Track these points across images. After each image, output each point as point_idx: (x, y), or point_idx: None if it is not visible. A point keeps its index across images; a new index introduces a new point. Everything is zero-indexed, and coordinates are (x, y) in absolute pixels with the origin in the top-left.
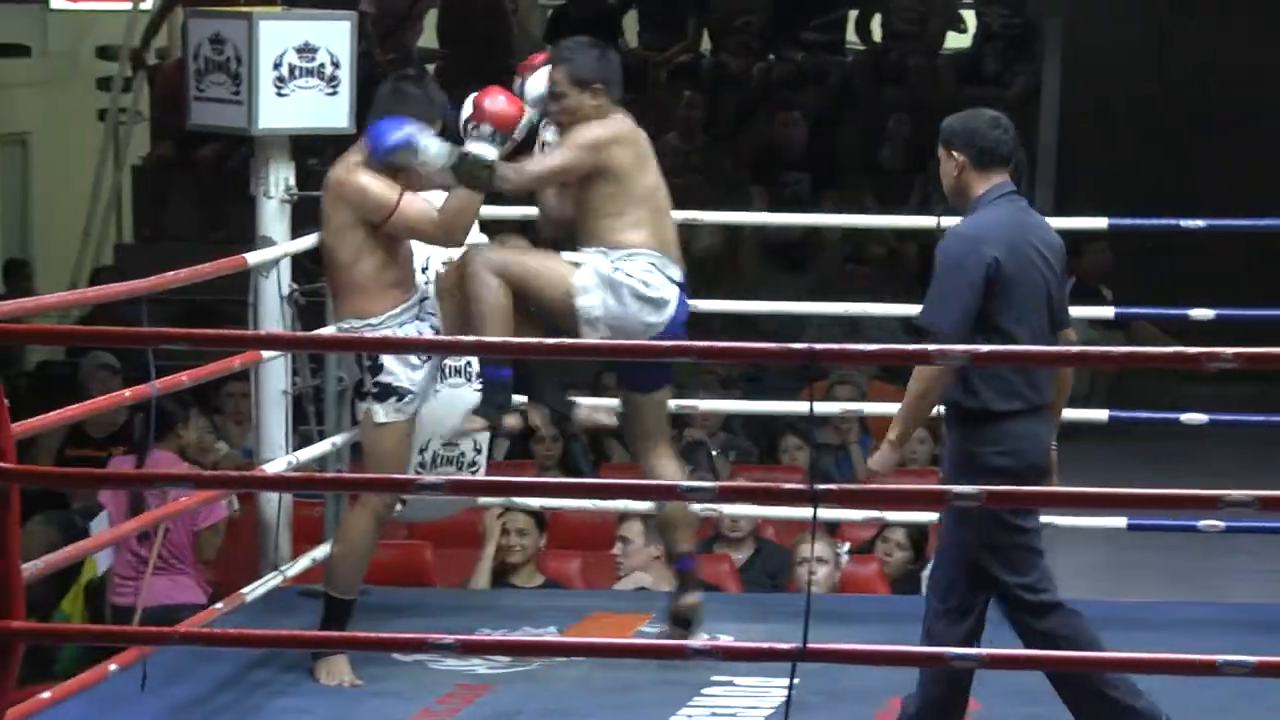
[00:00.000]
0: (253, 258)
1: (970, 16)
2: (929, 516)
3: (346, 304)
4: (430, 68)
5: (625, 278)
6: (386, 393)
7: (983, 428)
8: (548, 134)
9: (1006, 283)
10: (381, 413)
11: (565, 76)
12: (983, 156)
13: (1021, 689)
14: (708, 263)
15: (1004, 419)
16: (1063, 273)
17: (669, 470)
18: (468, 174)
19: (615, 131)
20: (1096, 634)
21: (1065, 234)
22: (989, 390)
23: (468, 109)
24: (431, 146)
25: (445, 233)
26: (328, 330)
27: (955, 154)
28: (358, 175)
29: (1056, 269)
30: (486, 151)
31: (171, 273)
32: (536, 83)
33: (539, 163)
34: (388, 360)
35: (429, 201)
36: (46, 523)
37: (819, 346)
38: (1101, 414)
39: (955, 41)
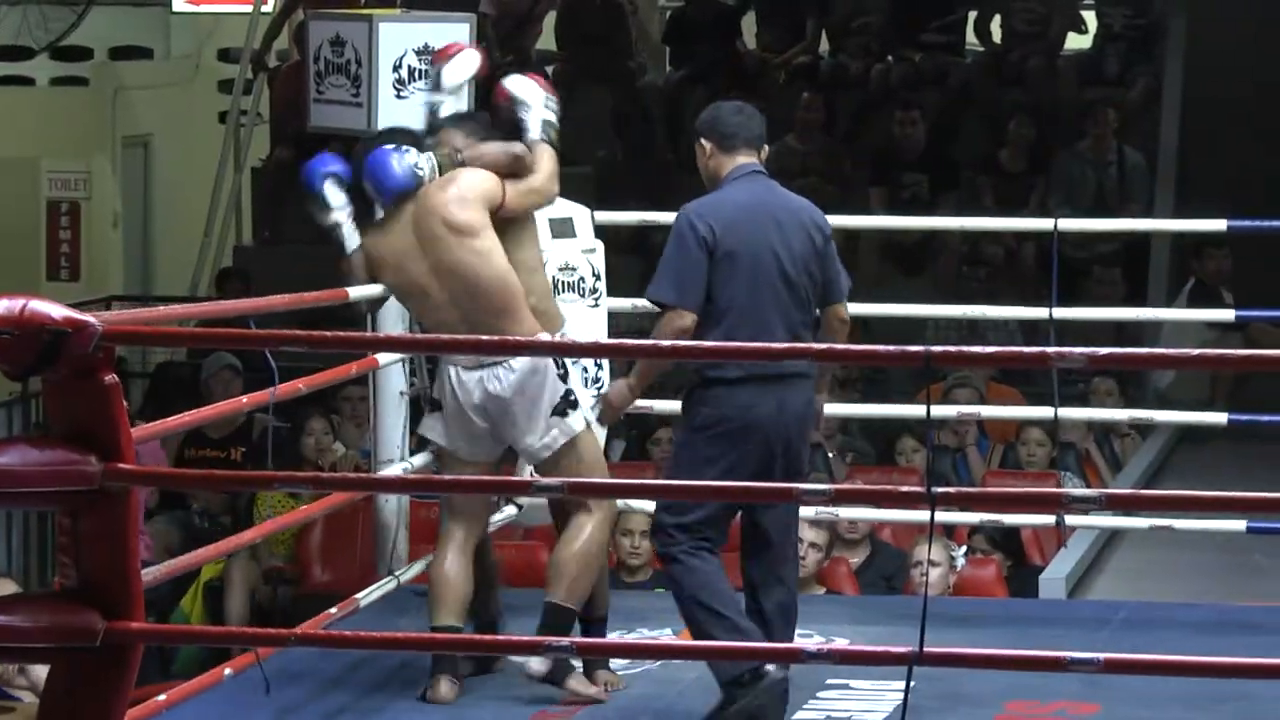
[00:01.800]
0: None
1: (1091, 17)
2: (1045, 519)
3: (517, 321)
4: (549, 69)
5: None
6: (575, 402)
7: (699, 391)
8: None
9: (727, 255)
10: (583, 419)
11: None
12: (725, 141)
13: (1140, 693)
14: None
15: (716, 385)
16: (821, 247)
17: None
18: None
19: None
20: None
21: (1185, 236)
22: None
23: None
24: (427, 170)
25: (552, 188)
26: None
27: (704, 142)
28: (464, 182)
29: (799, 243)
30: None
31: (310, 294)
32: (454, 72)
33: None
34: (571, 371)
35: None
36: (167, 522)
37: (936, 349)
38: (1221, 417)
39: (1076, 42)
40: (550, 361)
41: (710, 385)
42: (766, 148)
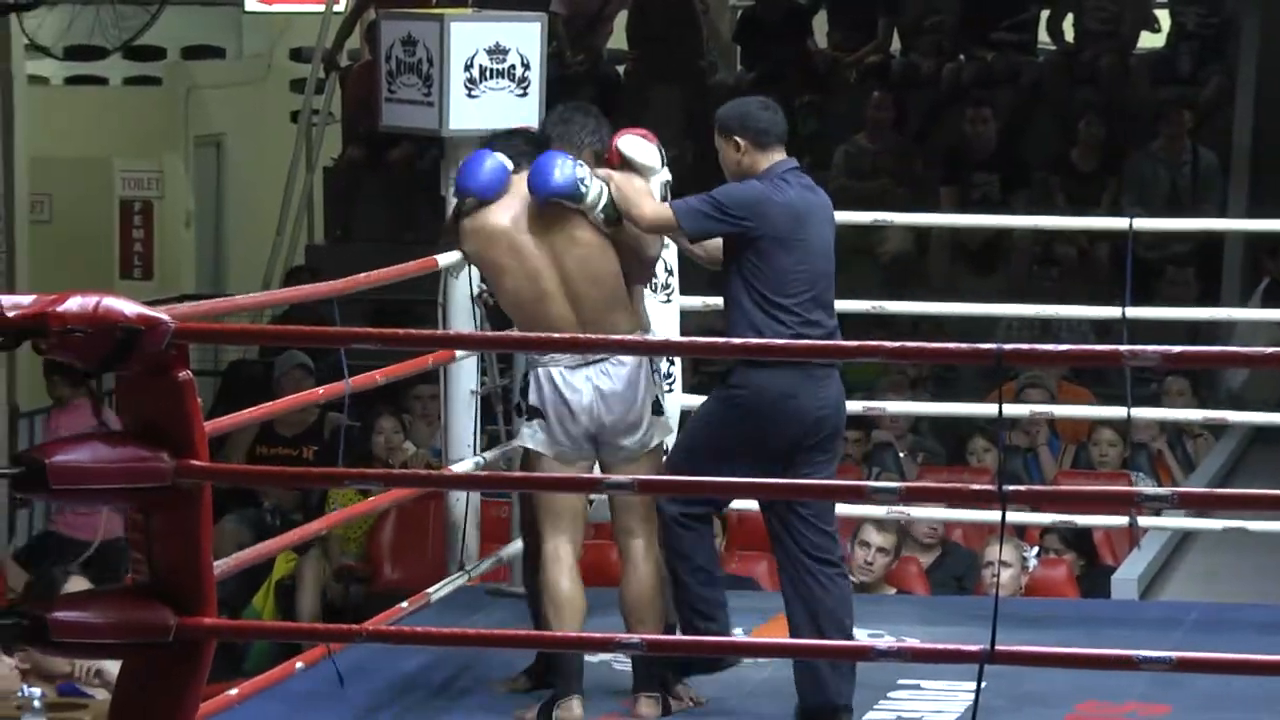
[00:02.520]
0: (444, 259)
1: (1165, 16)
2: (1118, 520)
3: (628, 315)
4: (620, 69)
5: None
6: (661, 405)
7: (743, 369)
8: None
9: (798, 243)
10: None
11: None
12: (760, 137)
13: (1211, 694)
14: (897, 264)
15: (760, 366)
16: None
17: None
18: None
19: None
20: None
21: (1260, 236)
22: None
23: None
24: (593, 190)
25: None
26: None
27: (736, 139)
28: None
29: (832, 238)
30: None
31: (364, 274)
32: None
33: None
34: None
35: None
36: (238, 521)
37: (1007, 347)
38: None
39: (1149, 41)
40: (648, 360)
41: (755, 366)
42: None
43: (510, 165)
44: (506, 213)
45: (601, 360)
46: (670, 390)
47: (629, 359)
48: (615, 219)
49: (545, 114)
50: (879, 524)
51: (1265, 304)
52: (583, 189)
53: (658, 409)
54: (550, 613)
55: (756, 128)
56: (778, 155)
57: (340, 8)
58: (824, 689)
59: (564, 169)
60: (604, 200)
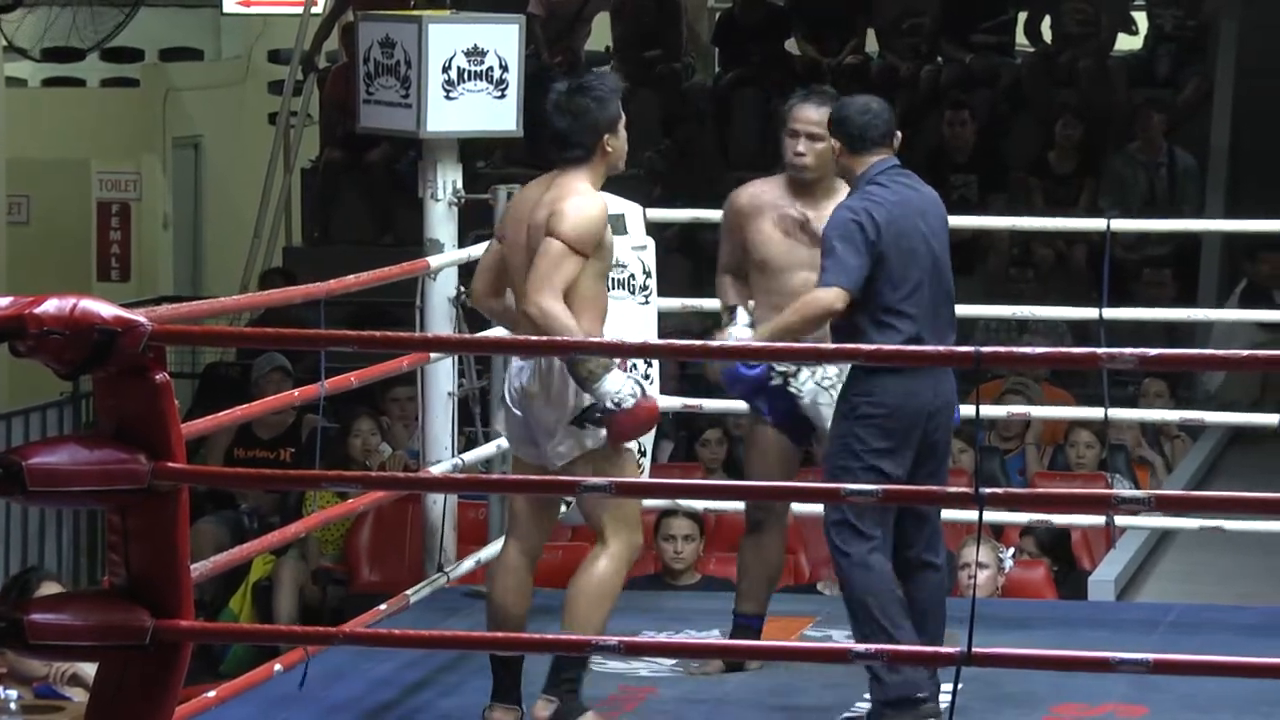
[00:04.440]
0: (433, 261)
1: (1142, 18)
2: (1095, 520)
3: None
4: (600, 70)
5: None
6: (601, 421)
7: (862, 378)
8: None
9: (887, 251)
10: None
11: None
12: (855, 142)
13: (1189, 695)
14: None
15: (882, 372)
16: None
17: None
18: (597, 368)
19: None
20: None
21: (1238, 238)
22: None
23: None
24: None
25: (535, 299)
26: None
27: (833, 141)
28: (589, 197)
29: (943, 237)
30: (613, 387)
31: (352, 276)
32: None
33: None
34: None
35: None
36: (216, 522)
37: (985, 349)
38: (1272, 418)
39: (1127, 43)
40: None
41: (875, 373)
42: (899, 134)
43: None
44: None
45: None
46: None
47: (547, 361)
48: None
49: (522, 115)
50: None
51: (1242, 305)
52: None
53: (579, 422)
54: (490, 614)
55: (850, 131)
56: (875, 157)
57: (318, 9)
58: (908, 680)
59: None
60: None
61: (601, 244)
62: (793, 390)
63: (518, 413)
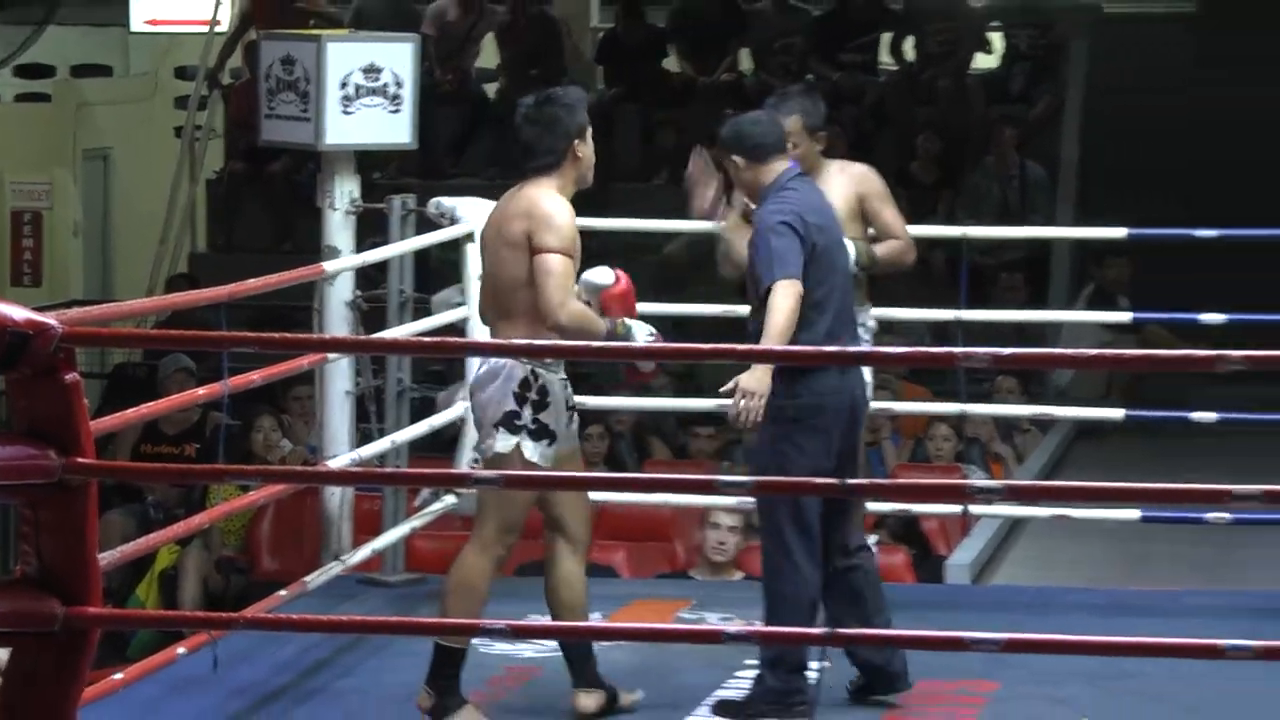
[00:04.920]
0: (329, 266)
1: (998, 38)
2: (952, 509)
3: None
4: (490, 87)
5: None
6: (542, 433)
7: (793, 378)
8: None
9: (813, 249)
10: (533, 451)
11: (799, 125)
12: (755, 151)
13: (1040, 671)
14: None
15: (814, 372)
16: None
17: None
18: (622, 329)
19: None
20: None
21: (1086, 245)
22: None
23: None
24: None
25: (557, 310)
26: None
27: (735, 158)
28: (558, 203)
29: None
30: (638, 336)
31: (253, 280)
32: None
33: (899, 225)
34: (553, 400)
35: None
36: (123, 515)
37: (851, 349)
38: (1118, 412)
39: (984, 62)
40: (514, 374)
41: (808, 373)
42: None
43: None
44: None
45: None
46: None
47: (491, 363)
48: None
49: (416, 128)
50: (729, 508)
51: (1090, 308)
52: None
53: (502, 424)
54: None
55: (749, 144)
56: (780, 164)
57: (223, 28)
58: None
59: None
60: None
61: (579, 243)
62: None
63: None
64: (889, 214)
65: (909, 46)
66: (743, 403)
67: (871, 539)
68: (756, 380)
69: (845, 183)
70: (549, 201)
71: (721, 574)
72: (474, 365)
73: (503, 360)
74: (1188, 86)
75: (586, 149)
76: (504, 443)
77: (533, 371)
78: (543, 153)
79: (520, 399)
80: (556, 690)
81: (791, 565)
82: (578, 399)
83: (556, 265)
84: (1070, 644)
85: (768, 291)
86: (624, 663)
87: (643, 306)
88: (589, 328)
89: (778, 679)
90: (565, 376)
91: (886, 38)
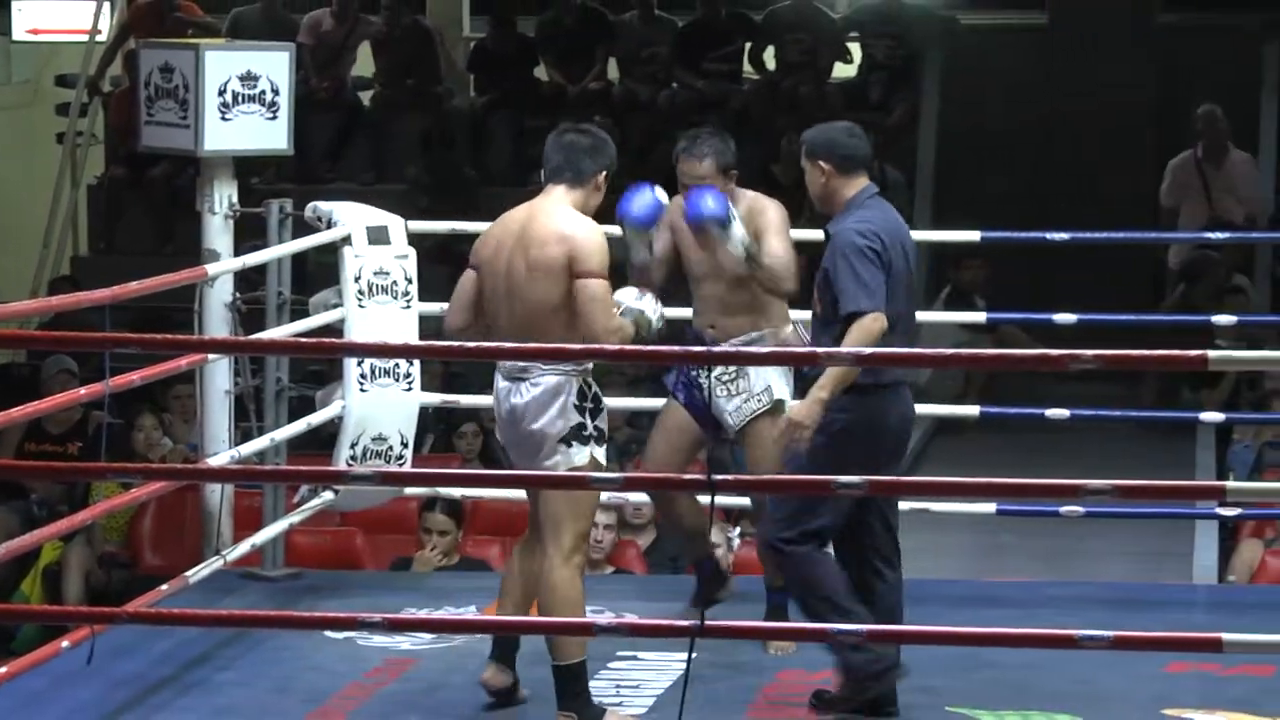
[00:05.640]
0: (211, 268)
1: (857, 48)
2: None
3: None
4: (365, 95)
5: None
6: (602, 438)
7: (854, 395)
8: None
9: (886, 269)
10: (603, 456)
11: (712, 167)
12: (845, 162)
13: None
14: (620, 274)
15: (872, 390)
16: (918, 259)
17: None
18: (644, 324)
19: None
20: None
21: (942, 246)
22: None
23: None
24: (737, 232)
25: (610, 335)
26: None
27: (821, 163)
28: (589, 223)
29: (913, 261)
30: (654, 321)
31: (136, 282)
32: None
33: (783, 255)
34: (603, 405)
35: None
36: (7, 511)
37: (716, 349)
38: (973, 410)
39: (843, 71)
40: (572, 387)
41: (866, 391)
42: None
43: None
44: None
45: (522, 379)
46: (410, 389)
47: (545, 382)
48: (752, 255)
49: (292, 135)
50: (602, 505)
51: (947, 308)
52: (731, 228)
53: (567, 440)
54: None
55: (841, 153)
56: (862, 180)
57: (103, 38)
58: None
59: (718, 200)
60: (746, 240)
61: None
62: (702, 383)
63: (501, 435)
64: (775, 242)
65: (769, 56)
66: (795, 434)
67: (735, 531)
68: (808, 412)
69: (745, 213)
70: (584, 224)
71: (596, 570)
72: (511, 395)
73: (558, 378)
74: (1039, 96)
75: (602, 188)
76: (580, 455)
77: (585, 381)
78: (577, 167)
79: (581, 410)
80: (433, 681)
81: (801, 559)
82: (455, 397)
83: (601, 291)
84: (929, 634)
85: (850, 316)
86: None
87: None
88: (627, 340)
89: (859, 657)
90: None
91: (748, 47)
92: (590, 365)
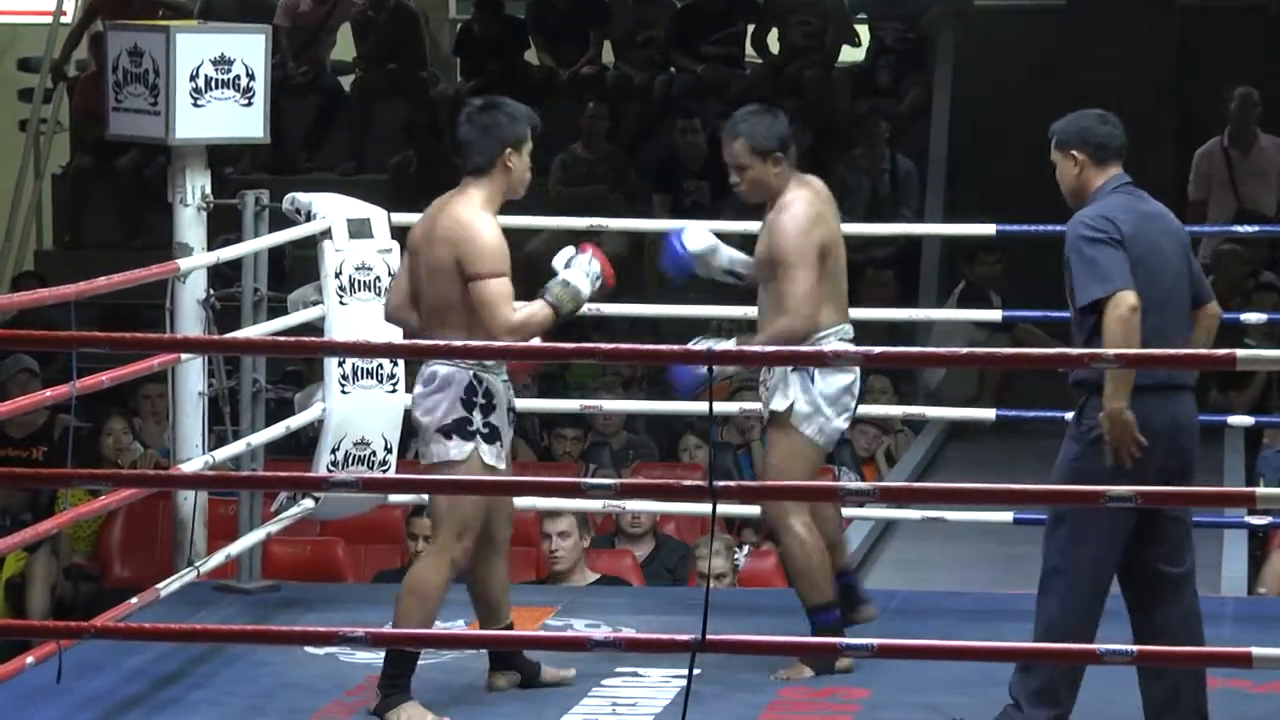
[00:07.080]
0: (184, 263)
1: (865, 31)
2: None
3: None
4: (346, 80)
5: (820, 399)
6: (494, 435)
7: (1097, 400)
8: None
9: (1133, 262)
10: (491, 455)
11: (745, 148)
12: (1099, 152)
13: (909, 678)
14: (613, 268)
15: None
16: (1188, 255)
17: None
18: (569, 299)
19: (812, 209)
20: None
21: (957, 241)
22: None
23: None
24: (717, 264)
25: (507, 333)
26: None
27: (1074, 153)
28: (481, 221)
29: (1182, 249)
30: (584, 288)
31: (103, 278)
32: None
33: (800, 290)
34: (499, 401)
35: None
36: None
37: (718, 348)
38: (989, 413)
39: (850, 55)
40: (461, 381)
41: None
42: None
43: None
44: None
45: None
46: (394, 391)
47: (436, 372)
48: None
49: (268, 122)
50: (551, 513)
51: (961, 305)
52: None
53: (446, 432)
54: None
55: (1095, 142)
56: (1114, 169)
57: (67, 19)
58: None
59: (672, 251)
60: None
61: (508, 255)
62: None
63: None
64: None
65: (773, 39)
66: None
67: (744, 550)
68: (1116, 417)
69: (768, 223)
70: (472, 225)
71: (569, 580)
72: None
73: (449, 369)
74: (1056, 80)
75: (520, 162)
76: (459, 449)
77: (476, 376)
78: (474, 154)
79: (469, 404)
80: (419, 699)
81: (1058, 584)
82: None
83: (492, 293)
84: (941, 649)
85: (1092, 307)
86: (488, 671)
87: None
88: (539, 327)
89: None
90: (506, 378)
91: (750, 29)
92: (489, 362)
